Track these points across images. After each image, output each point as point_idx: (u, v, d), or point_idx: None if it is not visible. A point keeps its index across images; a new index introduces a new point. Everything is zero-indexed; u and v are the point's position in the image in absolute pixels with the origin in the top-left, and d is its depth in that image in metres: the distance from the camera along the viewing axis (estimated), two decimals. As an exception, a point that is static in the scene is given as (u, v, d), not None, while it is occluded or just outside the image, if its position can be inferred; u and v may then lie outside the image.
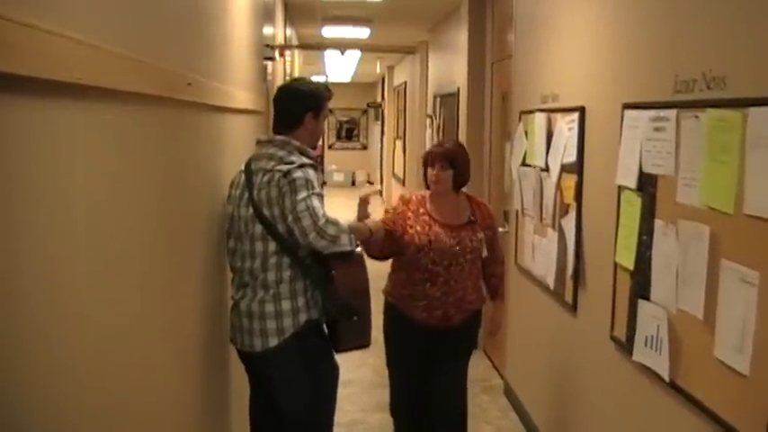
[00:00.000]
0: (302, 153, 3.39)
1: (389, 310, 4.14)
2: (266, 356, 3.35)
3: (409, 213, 4.08)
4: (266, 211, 3.27)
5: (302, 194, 3.20)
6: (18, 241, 1.31)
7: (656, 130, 2.97)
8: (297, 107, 3.48)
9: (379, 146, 20.08)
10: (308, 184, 3.23)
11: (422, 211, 4.07)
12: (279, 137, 3.43)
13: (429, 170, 4.08)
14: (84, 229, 1.64)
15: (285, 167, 3.26)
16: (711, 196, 2.57)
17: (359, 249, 3.57)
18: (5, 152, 1.26)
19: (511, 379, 5.71)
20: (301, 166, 3.28)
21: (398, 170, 15.61)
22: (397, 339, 4.20)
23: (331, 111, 23.12)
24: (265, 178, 3.29)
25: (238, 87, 4.13)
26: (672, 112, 2.84)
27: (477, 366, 6.36)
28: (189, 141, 2.85)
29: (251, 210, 3.31)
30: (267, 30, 6.10)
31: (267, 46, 5.92)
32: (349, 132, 24.25)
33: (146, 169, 2.17)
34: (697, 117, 2.67)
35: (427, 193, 4.16)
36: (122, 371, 1.92)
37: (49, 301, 1.45)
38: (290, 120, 3.46)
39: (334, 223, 3.24)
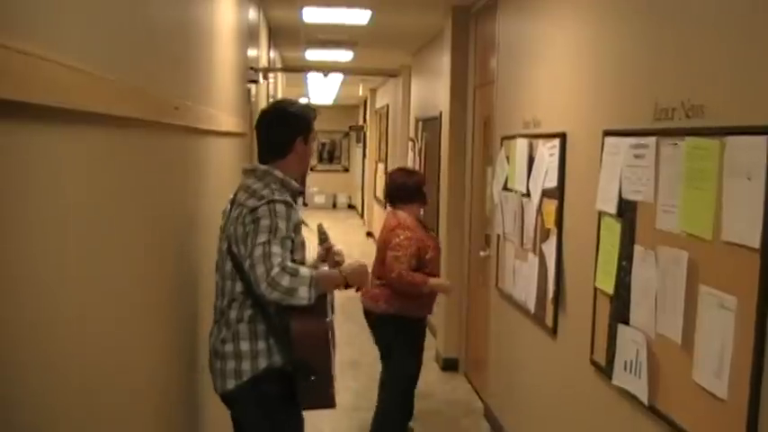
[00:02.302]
0: (284, 185, 3.11)
1: (407, 320, 4.97)
2: (225, 398, 3.14)
3: (420, 235, 4.93)
4: (234, 248, 3.01)
5: (262, 238, 2.88)
6: (10, 264, 1.33)
7: (636, 156, 3.02)
8: (285, 133, 3.21)
9: (361, 168, 20.13)
10: (271, 225, 2.90)
11: (418, 230, 4.97)
12: (261, 167, 3.15)
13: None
14: (73, 250, 1.65)
15: (252, 204, 2.97)
16: (690, 223, 2.61)
17: (355, 291, 3.33)
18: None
19: (491, 402, 5.72)
20: (270, 202, 2.96)
21: (380, 193, 15.65)
22: (417, 339, 5.12)
23: (313, 133, 23.22)
24: (235, 213, 3.04)
25: (223, 110, 4.16)
26: (651, 140, 2.89)
27: (458, 390, 6.39)
28: (175, 164, 2.88)
29: (225, 244, 3.08)
30: (251, 52, 6.14)
31: (251, 69, 5.95)
32: (330, 155, 24.30)
33: (133, 192, 2.19)
34: (676, 144, 2.72)
35: (409, 216, 5.01)
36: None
37: (38, 321, 1.46)
38: (279, 147, 3.19)
39: (292, 273, 2.84)
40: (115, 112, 1.88)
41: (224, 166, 4.14)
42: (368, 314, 5.09)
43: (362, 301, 5.06)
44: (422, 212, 5.27)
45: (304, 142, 3.26)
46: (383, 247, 4.97)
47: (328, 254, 3.43)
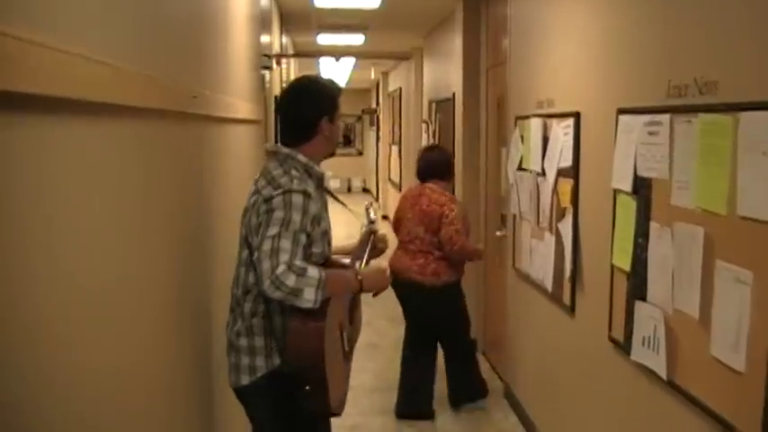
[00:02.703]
0: (307, 171, 2.94)
1: (457, 286, 5.35)
2: (239, 394, 3.01)
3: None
4: (250, 238, 2.86)
5: (273, 231, 2.69)
6: (25, 253, 1.34)
7: (650, 134, 3.04)
8: (310, 113, 2.99)
9: (375, 151, 20.16)
10: (284, 218, 2.71)
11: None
12: (284, 150, 2.96)
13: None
14: (92, 243, 1.68)
15: (268, 193, 2.79)
16: (705, 198, 2.63)
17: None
18: (14, 166, 1.30)
19: (511, 381, 5.76)
20: (286, 192, 2.77)
21: (394, 176, 15.68)
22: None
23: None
24: (252, 200, 2.88)
25: (239, 98, 4.20)
26: (665, 117, 2.91)
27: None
28: (194, 153, 2.92)
29: (244, 231, 2.94)
30: (264, 39, 6.18)
31: (265, 55, 5.98)
32: (345, 138, 24.34)
33: (152, 181, 2.23)
34: (690, 121, 2.73)
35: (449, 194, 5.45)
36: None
37: (56, 312, 1.48)
38: (303, 128, 2.99)
39: (299, 273, 2.62)
40: (134, 103, 1.91)
41: (241, 153, 4.18)
42: (414, 288, 5.24)
43: (407, 277, 5.24)
44: None
45: (330, 122, 3.03)
46: (434, 220, 5.18)
47: (371, 239, 3.26)
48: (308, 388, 2.78)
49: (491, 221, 6.59)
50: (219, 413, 3.33)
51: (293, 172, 2.89)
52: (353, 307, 3.12)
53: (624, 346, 3.31)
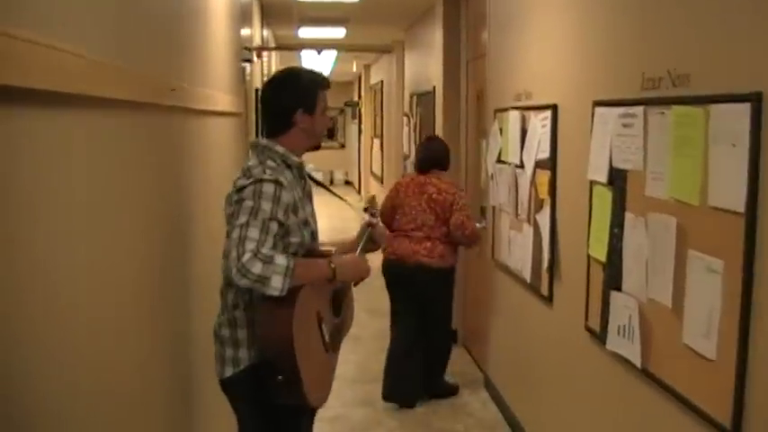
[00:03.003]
0: (284, 160, 2.93)
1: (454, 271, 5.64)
2: (223, 386, 2.98)
3: None
4: (227, 228, 2.83)
5: (241, 219, 2.67)
6: (15, 246, 1.37)
7: (625, 126, 3.08)
8: (286, 105, 2.96)
9: (357, 144, 20.17)
10: (253, 206, 2.70)
11: None
12: (262, 142, 2.97)
13: None
14: (79, 234, 1.71)
15: (240, 183, 2.79)
16: (678, 189, 2.68)
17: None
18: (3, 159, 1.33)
19: (491, 372, 5.81)
20: (257, 182, 2.75)
21: (376, 168, 15.70)
22: None
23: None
24: (229, 191, 2.88)
25: (219, 90, 4.21)
26: (639, 109, 2.95)
27: (458, 361, 6.48)
28: (174, 143, 2.94)
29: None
30: (245, 31, 6.19)
31: (245, 48, 6.00)
32: (330, 132, 24.34)
33: (134, 173, 2.25)
34: (663, 113, 2.78)
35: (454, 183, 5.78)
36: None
37: (46, 302, 1.52)
38: (279, 120, 2.97)
39: (266, 260, 2.60)
40: (111, 95, 1.92)
41: (222, 145, 4.20)
42: (422, 270, 5.38)
43: (415, 260, 5.40)
44: None
45: (307, 113, 2.97)
46: (446, 208, 5.39)
47: (368, 231, 3.23)
48: (280, 378, 2.75)
49: (471, 213, 6.62)
50: (200, 402, 3.35)
51: (269, 162, 2.88)
52: (341, 298, 3.08)
53: (600, 336, 3.36)
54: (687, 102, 2.61)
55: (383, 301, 5.95)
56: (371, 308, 7.68)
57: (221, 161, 3.97)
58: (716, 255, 2.45)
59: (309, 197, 3.06)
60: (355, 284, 3.15)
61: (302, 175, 3.02)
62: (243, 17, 6.02)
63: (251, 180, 2.77)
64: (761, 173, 2.24)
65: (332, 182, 23.65)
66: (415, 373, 5.58)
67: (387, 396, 5.57)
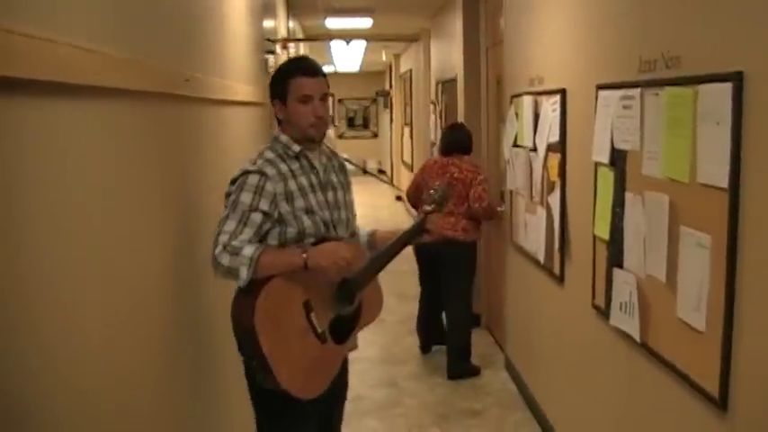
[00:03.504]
0: (286, 151, 2.94)
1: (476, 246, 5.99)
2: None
3: None
4: None
5: (224, 212, 2.79)
6: (20, 237, 1.46)
7: (625, 108, 3.17)
8: (270, 97, 3.05)
9: (389, 133, 20.27)
10: (235, 199, 2.78)
11: None
12: (275, 132, 3.04)
13: None
14: (88, 223, 1.82)
15: (233, 176, 2.87)
16: (670, 168, 2.77)
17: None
18: (12, 149, 1.44)
19: (510, 353, 5.92)
20: (244, 173, 2.82)
21: (407, 156, 15.80)
22: None
23: (340, 101, 23.42)
24: None
25: (238, 81, 4.35)
26: (637, 91, 3.04)
27: (481, 343, 6.60)
28: (191, 131, 3.07)
29: None
30: (268, 23, 6.32)
31: (268, 40, 6.13)
32: (365, 120, 24.50)
33: (148, 161, 2.38)
34: (657, 95, 2.86)
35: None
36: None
37: (49, 290, 1.59)
38: (276, 113, 3.03)
39: (233, 252, 2.67)
40: (122, 85, 2.05)
41: (240, 133, 4.34)
42: (448, 244, 5.64)
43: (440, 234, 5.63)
44: None
45: (282, 104, 2.96)
46: (467, 186, 5.75)
47: (421, 218, 3.23)
48: (254, 362, 2.80)
49: (492, 197, 6.72)
50: (213, 379, 3.48)
51: (267, 153, 2.93)
52: (351, 289, 2.96)
53: (605, 312, 3.46)
54: (678, 83, 2.70)
55: (411, 286, 6.16)
56: (400, 292, 7.82)
57: (239, 147, 4.10)
58: (704, 230, 2.54)
59: (329, 186, 3.02)
60: (341, 278, 2.91)
61: (313, 165, 2.97)
62: (266, 10, 6.15)
63: (240, 172, 2.84)
64: (742, 150, 2.32)
65: (365, 171, 23.76)
66: (439, 326, 6.35)
67: (423, 348, 6.44)
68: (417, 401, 5.46)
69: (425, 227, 3.20)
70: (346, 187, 3.15)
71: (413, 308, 6.57)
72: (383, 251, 3.10)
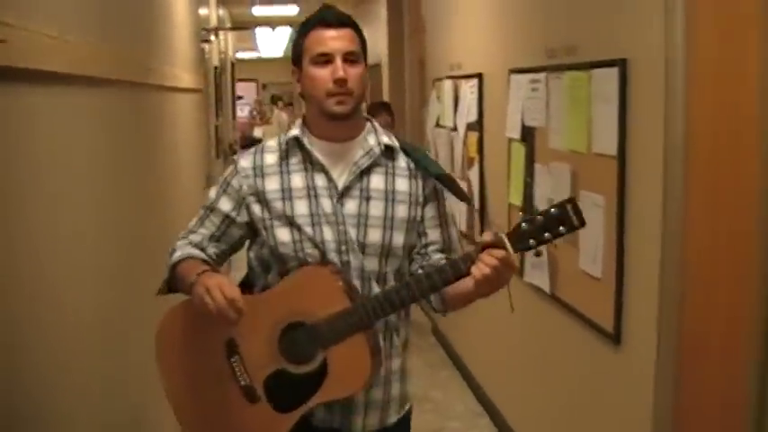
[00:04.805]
0: (288, 142, 2.15)
1: None
2: None
3: None
4: None
5: None
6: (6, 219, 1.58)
7: (533, 90, 3.62)
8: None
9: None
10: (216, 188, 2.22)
11: None
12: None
13: None
14: (61, 210, 1.97)
15: None
16: (571, 141, 3.23)
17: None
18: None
19: (436, 317, 6.36)
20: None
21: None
22: None
23: (264, 86, 23.49)
24: None
25: (182, 69, 4.67)
26: (543, 75, 3.50)
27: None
28: (154, 117, 3.36)
29: None
30: (202, 11, 6.61)
31: (204, 29, 6.43)
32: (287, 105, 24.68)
33: (116, 143, 2.68)
34: (559, 78, 3.32)
35: None
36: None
37: (39, 269, 1.74)
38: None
39: (171, 251, 2.17)
40: (91, 73, 2.23)
41: (187, 118, 4.66)
42: None
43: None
44: None
45: (298, 69, 2.15)
46: None
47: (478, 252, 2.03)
48: None
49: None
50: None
51: (270, 142, 2.21)
52: (316, 340, 2.02)
53: (520, 271, 3.91)
54: (576, 68, 3.16)
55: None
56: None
57: (186, 131, 4.43)
58: (599, 192, 3.00)
59: (354, 192, 2.13)
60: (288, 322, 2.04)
61: (314, 159, 2.13)
62: (199, -1, 6.44)
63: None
64: (627, 123, 2.79)
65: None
66: None
67: None
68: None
69: (469, 269, 2.03)
70: (402, 199, 2.18)
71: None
72: (382, 295, 2.07)
